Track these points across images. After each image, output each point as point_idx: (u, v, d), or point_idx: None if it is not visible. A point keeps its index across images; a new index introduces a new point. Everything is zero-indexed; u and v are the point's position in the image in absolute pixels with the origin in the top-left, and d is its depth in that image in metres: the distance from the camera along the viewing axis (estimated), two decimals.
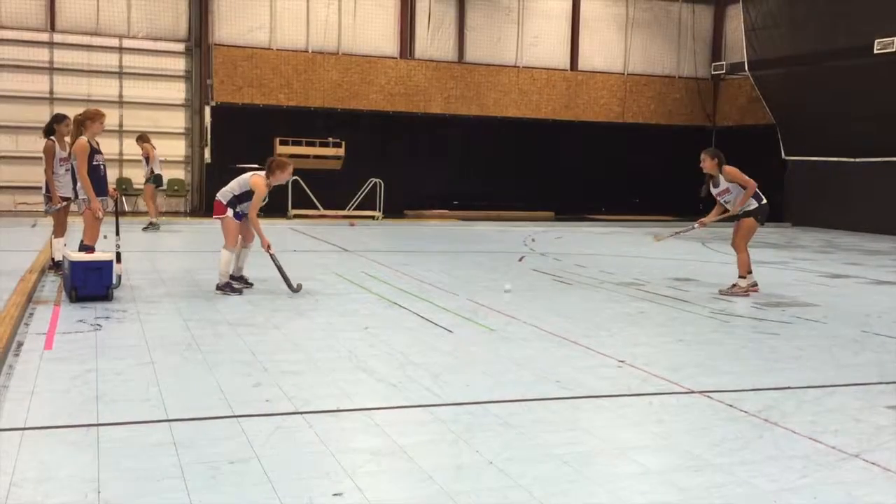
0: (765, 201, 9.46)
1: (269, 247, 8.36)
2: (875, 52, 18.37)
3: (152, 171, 15.51)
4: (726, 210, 9.44)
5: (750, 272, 9.32)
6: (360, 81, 21.55)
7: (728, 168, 9.29)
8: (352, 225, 17.95)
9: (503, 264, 11.60)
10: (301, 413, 4.39)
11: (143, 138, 15.59)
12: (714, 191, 9.39)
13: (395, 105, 21.84)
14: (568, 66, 23.51)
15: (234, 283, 8.43)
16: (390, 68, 21.83)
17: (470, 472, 3.63)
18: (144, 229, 15.02)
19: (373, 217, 19.23)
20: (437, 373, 5.32)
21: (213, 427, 4.16)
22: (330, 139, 20.34)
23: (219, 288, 8.31)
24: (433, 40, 22.32)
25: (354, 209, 19.62)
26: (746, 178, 9.28)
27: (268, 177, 8.33)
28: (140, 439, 3.94)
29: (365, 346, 6.06)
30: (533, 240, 15.57)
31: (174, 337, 6.22)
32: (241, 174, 8.51)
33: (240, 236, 8.48)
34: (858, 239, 17.86)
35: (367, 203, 19.61)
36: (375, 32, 21.80)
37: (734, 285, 9.30)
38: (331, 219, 18.87)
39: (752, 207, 9.31)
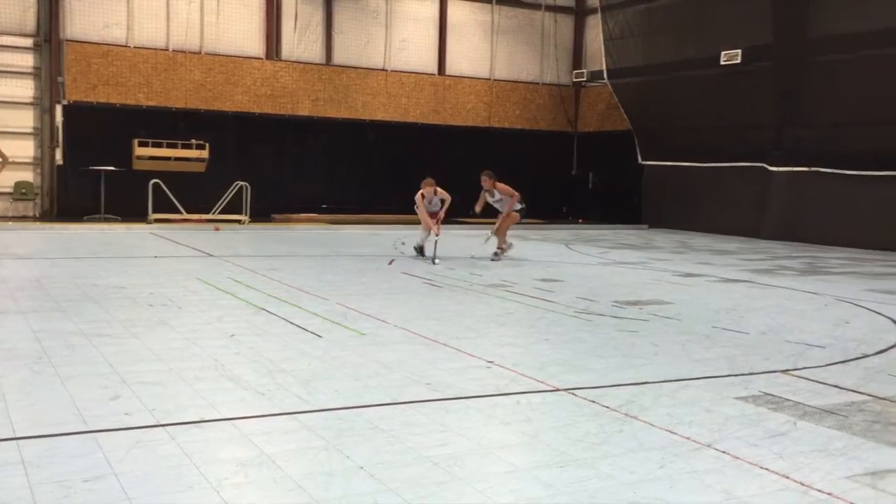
0: (524, 205, 13.42)
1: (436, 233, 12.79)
2: (721, 63, 19.55)
3: None
4: (503, 213, 13.15)
5: (506, 241, 13.32)
6: (225, 82, 21.00)
7: (500, 185, 13.17)
8: (216, 229, 17.43)
9: (373, 268, 11.58)
10: (163, 425, 4.22)
11: None
12: (491, 200, 13.24)
13: (261, 107, 21.42)
14: (436, 71, 23.77)
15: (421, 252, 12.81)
16: (256, 69, 21.39)
17: (340, 478, 3.59)
18: None
19: (239, 221, 18.76)
20: (307, 379, 5.24)
21: (67, 444, 3.93)
22: (193, 141, 19.73)
23: (416, 248, 13.13)
24: (300, 42, 22.03)
25: (219, 213, 19.07)
26: (512, 190, 13.16)
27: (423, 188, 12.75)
28: None
29: (231, 353, 5.90)
30: (403, 243, 15.62)
31: (22, 349, 5.84)
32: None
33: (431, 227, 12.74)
34: (709, 240, 18.93)
35: (233, 207, 19.10)
36: (240, 32, 21.29)
37: (498, 252, 13.11)
38: (194, 223, 18.27)
39: (517, 209, 13.27)
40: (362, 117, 22.63)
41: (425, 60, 23.64)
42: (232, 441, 4.06)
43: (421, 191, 12.98)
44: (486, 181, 13.15)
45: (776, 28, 18.90)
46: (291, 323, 7.13)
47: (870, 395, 5.24)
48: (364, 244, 15.36)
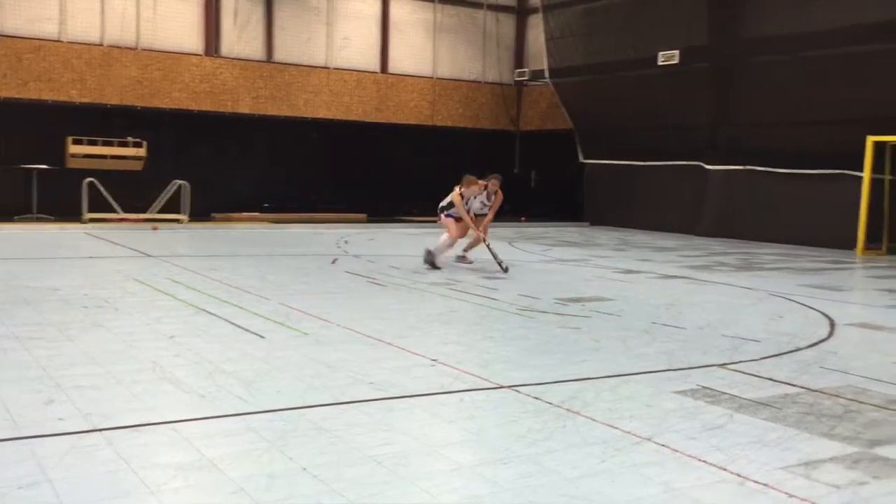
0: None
1: (483, 239, 11.56)
2: (659, 63, 19.91)
3: None
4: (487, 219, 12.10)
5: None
6: (162, 79, 20.60)
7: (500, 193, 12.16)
8: (154, 229, 17.09)
9: (316, 267, 11.49)
10: (99, 430, 4.12)
11: None
12: (478, 204, 12.01)
13: (200, 104, 21.07)
14: (378, 69, 23.69)
15: (438, 264, 11.29)
16: (195, 66, 21.02)
17: (283, 480, 3.55)
18: None
19: (178, 220, 18.42)
20: (249, 380, 5.17)
21: None
22: (129, 138, 19.30)
23: (425, 262, 11.27)
24: (240, 38, 21.73)
25: (157, 212, 18.69)
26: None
27: (460, 189, 11.48)
28: None
29: (170, 355, 5.79)
30: (346, 242, 15.54)
31: None
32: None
33: (459, 229, 11.62)
34: (649, 237, 19.26)
35: (172, 206, 18.73)
36: (178, 28, 20.90)
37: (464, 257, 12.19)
38: (131, 223, 17.87)
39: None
40: (304, 115, 22.43)
41: (368, 58, 23.55)
42: (171, 445, 3.98)
43: (459, 190, 11.53)
44: (495, 184, 12.00)
45: (712, 29, 19.31)
46: (233, 324, 7.03)
47: (803, 388, 5.39)
48: (307, 243, 15.23)
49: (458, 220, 11.62)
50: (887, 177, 16.05)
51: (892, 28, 15.25)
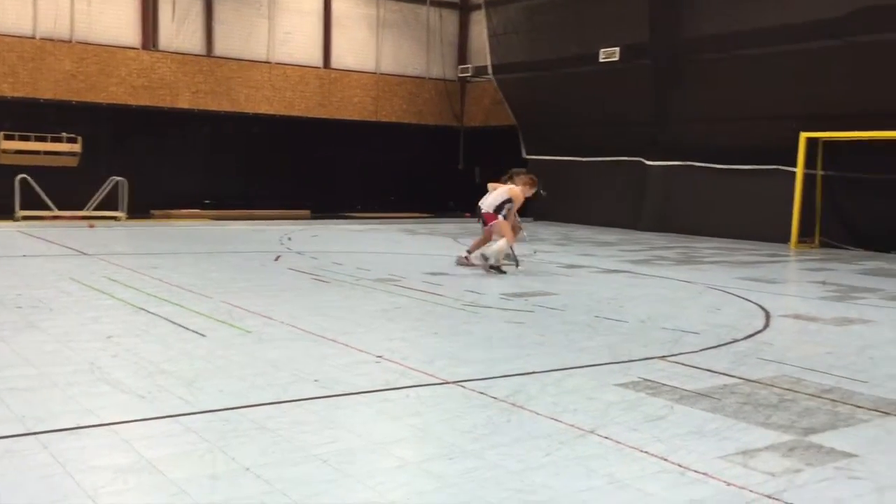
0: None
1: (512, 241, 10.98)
2: (601, 60, 20.16)
3: None
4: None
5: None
6: (98, 73, 20.11)
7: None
8: (91, 226, 16.67)
9: (259, 264, 11.35)
10: (34, 434, 4.00)
11: None
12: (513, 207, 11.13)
13: (138, 99, 20.62)
14: (321, 64, 23.50)
15: (503, 267, 10.79)
16: (132, 60, 20.57)
17: (225, 481, 3.50)
18: None
19: (115, 218, 18.01)
20: (190, 380, 5.08)
21: None
22: (64, 134, 18.81)
23: (492, 267, 10.65)
24: (179, 32, 21.32)
25: (94, 209, 18.25)
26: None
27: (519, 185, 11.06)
28: None
29: (108, 356, 5.65)
30: (289, 238, 15.39)
31: None
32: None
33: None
34: (591, 232, 19.50)
35: (109, 203, 18.32)
36: (114, 21, 20.42)
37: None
38: (67, 220, 17.42)
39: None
40: (245, 110, 22.13)
41: (310, 53, 23.34)
42: (110, 447, 3.89)
43: (520, 187, 11.16)
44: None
45: (652, 28, 19.62)
46: (173, 322, 6.90)
47: (740, 378, 5.52)
48: (249, 240, 15.03)
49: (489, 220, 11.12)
50: (819, 172, 16.53)
51: (824, 26, 15.69)
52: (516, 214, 11.36)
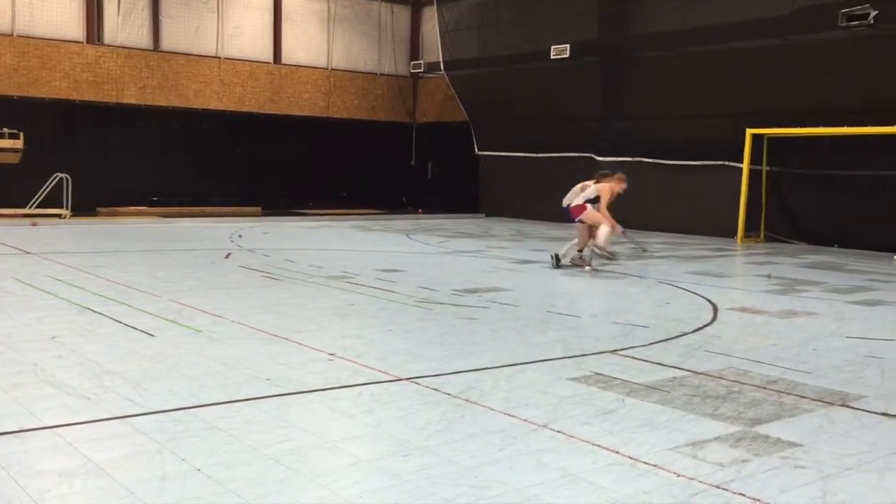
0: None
1: (623, 232, 11.39)
2: (551, 57, 20.29)
3: None
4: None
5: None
6: (40, 67, 19.60)
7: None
8: (34, 224, 16.26)
9: (208, 262, 11.19)
10: None
11: None
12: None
13: (82, 94, 20.16)
14: (271, 59, 23.24)
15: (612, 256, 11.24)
16: (76, 54, 20.09)
17: (175, 482, 3.45)
18: None
19: (59, 215, 17.58)
20: (138, 380, 4.99)
21: None
22: (5, 130, 18.28)
23: (603, 259, 11.01)
24: (125, 26, 20.88)
25: (37, 207, 17.79)
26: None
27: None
28: None
29: (52, 357, 5.52)
30: (240, 236, 15.21)
31: None
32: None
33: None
34: (543, 227, 19.63)
35: (53, 200, 17.86)
36: (57, 14, 19.91)
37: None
38: (8, 218, 16.95)
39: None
40: (194, 106, 21.78)
41: (260, 48, 23.05)
42: (55, 450, 3.80)
43: (610, 184, 11.29)
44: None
45: (601, 25, 19.81)
46: (120, 322, 6.77)
47: (689, 371, 5.61)
48: (199, 238, 14.81)
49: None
50: (765, 168, 16.88)
51: (767, 25, 16.01)
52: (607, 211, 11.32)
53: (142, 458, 3.72)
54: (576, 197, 11.49)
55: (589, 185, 11.55)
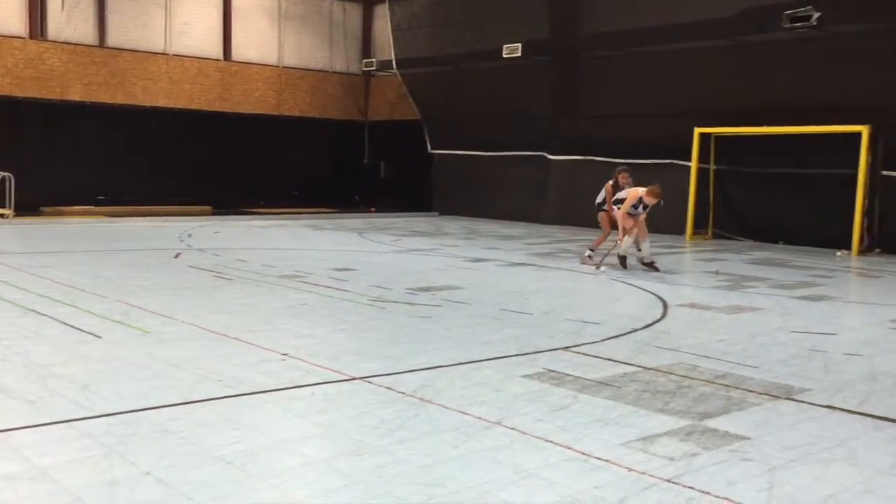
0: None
1: (629, 233, 11.19)
2: (503, 56, 20.39)
3: None
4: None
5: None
6: None
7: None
8: None
9: (157, 262, 11.01)
10: None
11: None
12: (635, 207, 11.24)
13: (25, 90, 19.66)
14: (221, 56, 22.93)
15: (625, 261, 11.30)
16: (18, 49, 19.58)
17: (124, 486, 3.38)
18: None
19: (2, 215, 17.12)
20: (85, 383, 4.89)
21: None
22: None
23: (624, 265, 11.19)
24: (69, 21, 20.41)
25: None
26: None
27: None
28: None
29: None
30: (190, 235, 14.98)
31: None
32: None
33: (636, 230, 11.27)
34: (496, 225, 19.72)
35: None
36: None
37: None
38: None
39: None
40: (142, 103, 21.39)
41: (210, 45, 22.73)
42: None
43: (640, 191, 11.18)
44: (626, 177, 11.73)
45: (552, 24, 19.96)
46: (66, 324, 6.62)
47: (640, 367, 5.69)
48: (147, 237, 14.55)
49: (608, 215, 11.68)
50: (712, 166, 17.18)
51: (714, 26, 16.30)
52: (633, 216, 11.27)
53: (89, 462, 3.65)
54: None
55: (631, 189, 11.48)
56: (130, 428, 4.12)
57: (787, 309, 8.42)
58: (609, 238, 11.98)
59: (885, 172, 14.88)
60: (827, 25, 14.79)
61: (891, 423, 4.53)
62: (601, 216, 12.04)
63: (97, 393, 4.70)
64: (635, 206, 11.16)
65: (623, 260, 11.37)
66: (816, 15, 14.66)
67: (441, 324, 7.14)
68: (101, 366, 5.34)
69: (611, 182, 12.00)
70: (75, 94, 20.35)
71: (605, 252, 11.78)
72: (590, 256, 11.85)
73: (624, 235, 11.23)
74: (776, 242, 16.21)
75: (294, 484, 3.46)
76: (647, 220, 11.59)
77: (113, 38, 21.09)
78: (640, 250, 11.54)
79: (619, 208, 11.33)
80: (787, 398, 4.99)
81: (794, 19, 14.94)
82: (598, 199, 12.15)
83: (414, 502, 3.30)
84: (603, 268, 11.29)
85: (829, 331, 7.31)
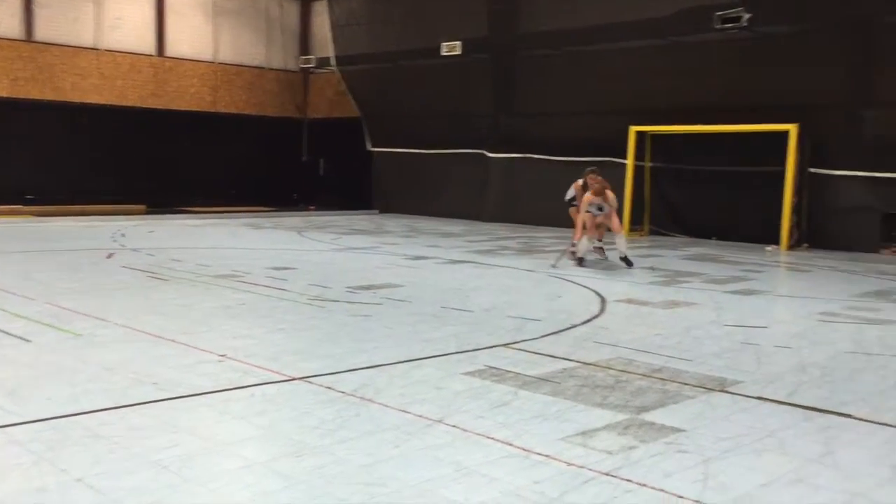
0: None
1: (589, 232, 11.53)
2: (442, 54, 20.41)
3: None
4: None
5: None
6: None
7: (609, 192, 11.65)
8: None
9: (88, 263, 10.72)
10: None
11: None
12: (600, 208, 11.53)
13: None
14: (155, 52, 22.43)
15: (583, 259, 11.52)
16: None
17: (54, 494, 3.28)
18: None
19: None
20: (12, 388, 4.73)
21: None
22: None
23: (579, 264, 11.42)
24: None
25: None
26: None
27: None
28: None
29: None
30: (123, 235, 14.63)
31: None
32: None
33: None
34: (436, 223, 19.75)
35: None
36: None
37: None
38: None
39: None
40: (72, 100, 20.79)
41: (143, 40, 22.21)
42: None
43: (587, 196, 11.48)
44: (597, 181, 11.64)
45: (491, 22, 20.06)
46: None
47: (579, 362, 5.76)
48: (78, 238, 14.16)
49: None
50: (648, 164, 17.49)
51: (650, 26, 16.58)
52: (589, 211, 11.53)
53: (17, 470, 3.53)
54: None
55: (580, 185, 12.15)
56: (61, 433, 4.00)
57: (720, 303, 8.62)
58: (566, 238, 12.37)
59: (812, 170, 15.36)
60: (757, 26, 15.19)
61: (819, 413, 4.67)
62: (571, 211, 12.42)
63: (26, 398, 4.56)
64: (599, 209, 11.49)
65: (580, 261, 11.57)
66: (747, 16, 15.03)
67: (381, 322, 7.12)
68: (31, 370, 5.17)
69: (580, 181, 12.35)
70: (1, 90, 19.70)
71: (562, 251, 12.04)
72: (573, 253, 11.95)
73: (581, 236, 11.55)
74: (709, 238, 16.59)
75: (232, 487, 3.40)
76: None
77: (41, 33, 20.45)
78: (602, 249, 12.19)
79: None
80: (721, 390, 5.11)
81: (726, 20, 15.30)
82: (568, 196, 12.68)
83: (355, 502, 3.28)
84: (560, 264, 11.45)
85: (760, 324, 7.51)
